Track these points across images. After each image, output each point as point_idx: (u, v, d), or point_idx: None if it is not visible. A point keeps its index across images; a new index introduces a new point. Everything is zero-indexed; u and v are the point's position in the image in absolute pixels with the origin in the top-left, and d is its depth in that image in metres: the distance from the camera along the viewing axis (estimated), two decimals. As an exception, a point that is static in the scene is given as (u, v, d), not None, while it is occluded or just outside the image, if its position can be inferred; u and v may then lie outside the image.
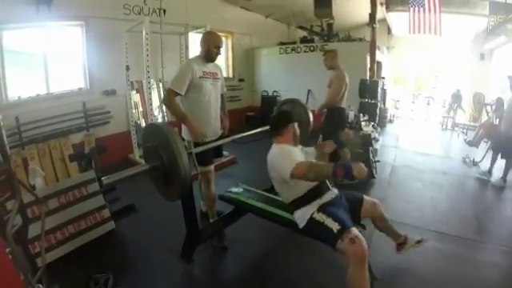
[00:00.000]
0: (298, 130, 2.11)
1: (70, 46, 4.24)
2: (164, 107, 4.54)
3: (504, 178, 3.74)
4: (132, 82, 4.66)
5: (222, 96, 2.71)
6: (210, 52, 2.46)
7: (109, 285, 2.09)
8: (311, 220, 1.80)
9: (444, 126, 7.39)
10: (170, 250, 2.41)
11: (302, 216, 1.86)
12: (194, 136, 2.35)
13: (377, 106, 5.71)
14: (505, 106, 4.20)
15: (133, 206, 3.22)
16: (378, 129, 5.94)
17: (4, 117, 3.46)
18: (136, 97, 4.93)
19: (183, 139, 2.44)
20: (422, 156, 4.90)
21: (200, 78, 2.41)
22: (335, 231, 1.67)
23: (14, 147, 3.64)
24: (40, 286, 1.66)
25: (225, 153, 4.50)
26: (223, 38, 6.82)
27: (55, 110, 3.99)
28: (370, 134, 4.12)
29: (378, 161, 4.31)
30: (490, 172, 4.04)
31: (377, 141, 5.23)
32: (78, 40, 4.26)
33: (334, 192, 1.98)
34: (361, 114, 5.27)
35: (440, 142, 6.18)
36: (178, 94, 2.37)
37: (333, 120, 3.66)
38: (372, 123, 5.41)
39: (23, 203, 1.90)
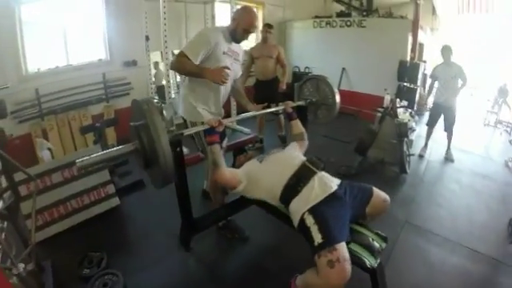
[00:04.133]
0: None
1: (90, 16, 4.11)
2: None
3: None
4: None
5: (234, 81, 2.35)
6: (237, 32, 2.08)
7: (102, 265, 2.06)
8: (301, 221, 1.51)
9: (486, 122, 6.57)
10: (172, 233, 2.26)
11: (295, 211, 1.57)
12: (216, 79, 1.89)
13: (416, 92, 5.13)
14: None
15: (141, 182, 3.13)
16: (416, 117, 5.35)
17: (24, 89, 3.56)
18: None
19: (184, 120, 2.18)
20: (461, 153, 4.33)
21: (224, 53, 2.07)
22: (315, 244, 1.38)
23: (34, 118, 3.68)
24: (22, 265, 1.60)
25: (247, 130, 4.37)
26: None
27: (75, 81, 3.95)
28: (406, 123, 3.65)
29: (413, 154, 3.86)
30: None
31: (413, 131, 4.71)
32: (97, 10, 4.11)
33: (331, 185, 1.61)
34: (397, 99, 4.76)
35: (481, 140, 5.49)
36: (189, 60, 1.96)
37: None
38: (410, 111, 4.88)
39: (14, 180, 1.82)
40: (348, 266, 1.32)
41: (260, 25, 4.42)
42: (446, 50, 3.95)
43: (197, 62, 1.93)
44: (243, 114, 2.22)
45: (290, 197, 1.61)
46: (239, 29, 2.06)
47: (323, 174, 1.70)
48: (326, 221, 1.44)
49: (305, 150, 2.12)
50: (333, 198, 1.56)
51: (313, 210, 1.50)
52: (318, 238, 1.39)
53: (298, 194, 1.59)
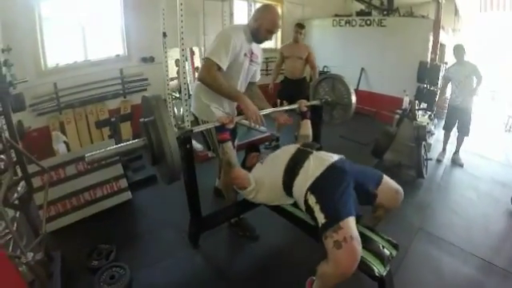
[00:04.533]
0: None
1: (108, 12, 4.17)
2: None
3: None
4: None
5: (253, 84, 2.27)
6: (259, 33, 1.98)
7: (110, 257, 2.09)
8: (306, 203, 1.45)
9: (508, 127, 6.31)
10: (182, 229, 2.27)
11: (298, 195, 1.52)
12: (251, 116, 1.87)
13: (436, 94, 4.95)
14: None
15: (154, 177, 3.15)
16: (435, 120, 5.18)
17: (42, 83, 3.64)
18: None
19: (196, 118, 2.16)
20: (480, 159, 4.18)
21: (245, 55, 1.99)
22: (320, 225, 1.32)
23: (52, 111, 3.76)
24: (31, 254, 1.64)
25: (263, 128, 4.32)
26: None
27: (92, 76, 4.01)
28: (424, 126, 3.54)
29: (430, 159, 3.73)
30: None
31: (432, 134, 4.56)
32: (115, 6, 4.16)
33: (328, 159, 1.57)
34: (417, 102, 4.62)
35: (501, 146, 5.22)
36: (218, 68, 1.82)
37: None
38: (429, 113, 4.73)
39: (27, 172, 1.86)
40: (357, 246, 1.24)
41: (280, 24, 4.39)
42: (458, 50, 3.82)
43: (225, 67, 1.85)
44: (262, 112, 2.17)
45: (290, 182, 1.57)
46: (262, 29, 1.96)
47: (320, 152, 1.67)
48: (326, 197, 1.38)
49: None
50: (332, 170, 1.51)
51: (313, 188, 1.45)
52: (321, 217, 1.33)
53: (296, 176, 1.55)
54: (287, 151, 1.72)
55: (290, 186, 1.58)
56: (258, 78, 2.28)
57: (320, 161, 1.56)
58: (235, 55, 1.91)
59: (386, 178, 1.64)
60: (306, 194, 1.45)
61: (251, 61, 2.09)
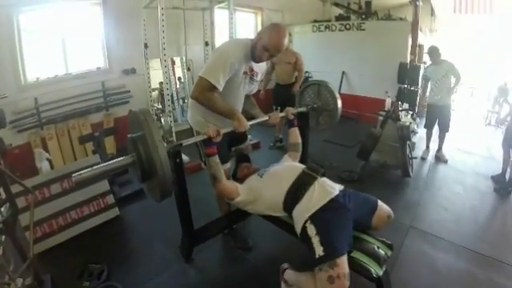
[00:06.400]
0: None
1: (88, 24, 4.10)
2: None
3: None
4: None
5: (249, 96, 2.20)
6: (255, 49, 1.82)
7: (102, 277, 2.03)
8: (303, 230, 1.49)
9: (487, 121, 6.57)
10: (173, 243, 2.24)
11: (297, 219, 1.56)
12: (239, 129, 1.87)
13: (417, 94, 5.10)
14: None
15: (142, 191, 3.07)
16: (417, 120, 5.32)
17: (23, 98, 3.54)
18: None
19: (191, 126, 2.12)
20: (463, 154, 4.31)
21: (244, 73, 1.89)
22: (316, 256, 1.37)
23: (33, 127, 3.65)
24: (20, 280, 1.58)
25: (249, 136, 4.33)
26: (252, 15, 6.52)
27: (74, 90, 3.92)
28: (408, 126, 3.62)
29: (415, 157, 3.82)
30: None
31: (415, 133, 4.68)
32: (96, 19, 4.09)
33: (331, 191, 1.59)
34: (399, 102, 4.74)
35: (483, 139, 5.41)
36: (213, 88, 1.75)
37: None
38: (411, 113, 4.85)
39: (11, 193, 1.79)
40: (347, 284, 1.32)
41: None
42: (433, 52, 3.94)
43: (220, 88, 1.76)
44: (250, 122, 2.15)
45: (292, 204, 1.60)
46: (259, 45, 1.79)
47: (324, 179, 1.70)
48: (327, 231, 1.42)
49: (297, 161, 2.11)
50: (334, 204, 1.54)
51: (314, 218, 1.48)
52: (319, 250, 1.38)
53: (299, 200, 1.58)
54: (291, 171, 1.73)
55: (291, 206, 1.60)
56: (254, 91, 2.22)
57: (324, 190, 1.59)
58: (233, 74, 1.81)
59: (380, 205, 1.68)
60: (307, 221, 1.49)
61: (251, 78, 1.99)
